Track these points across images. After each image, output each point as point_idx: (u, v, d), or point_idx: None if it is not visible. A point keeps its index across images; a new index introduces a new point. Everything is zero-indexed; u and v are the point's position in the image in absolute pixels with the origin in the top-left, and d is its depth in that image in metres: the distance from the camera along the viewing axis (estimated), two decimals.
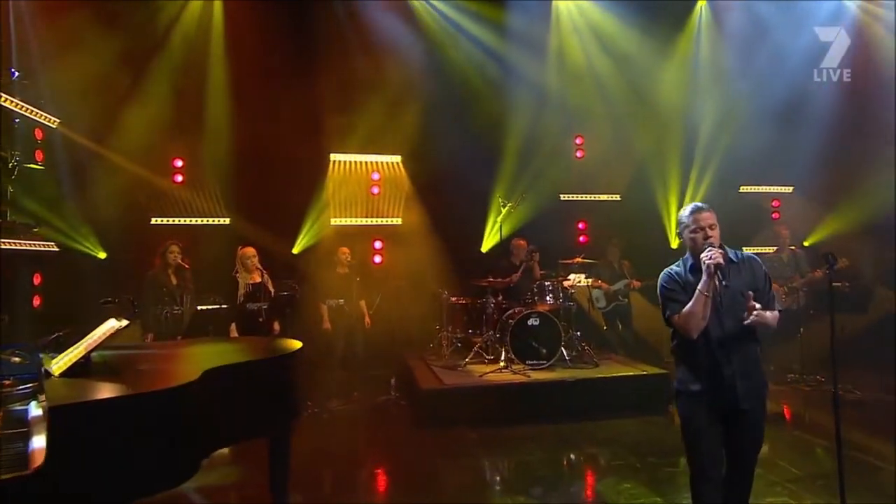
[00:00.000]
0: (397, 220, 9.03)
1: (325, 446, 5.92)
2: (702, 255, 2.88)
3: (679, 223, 3.10)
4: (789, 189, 10.01)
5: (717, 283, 2.84)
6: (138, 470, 2.67)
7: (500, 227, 8.53)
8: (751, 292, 2.89)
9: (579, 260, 8.00)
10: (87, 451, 2.51)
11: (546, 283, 7.63)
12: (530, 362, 7.10)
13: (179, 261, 6.53)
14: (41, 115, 6.43)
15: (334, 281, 7.52)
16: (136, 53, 7.63)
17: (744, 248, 3.27)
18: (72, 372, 3.18)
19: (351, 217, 8.96)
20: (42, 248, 6.47)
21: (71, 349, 3.35)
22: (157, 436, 2.76)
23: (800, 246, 8.76)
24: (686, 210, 3.05)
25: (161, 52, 7.82)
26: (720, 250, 2.90)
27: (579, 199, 9.82)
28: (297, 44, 8.30)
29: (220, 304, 6.78)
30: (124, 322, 3.52)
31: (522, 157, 9.02)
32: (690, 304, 2.89)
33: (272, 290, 6.96)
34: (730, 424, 2.97)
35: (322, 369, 7.48)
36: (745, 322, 2.85)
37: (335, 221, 8.86)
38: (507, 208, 8.33)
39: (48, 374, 3.10)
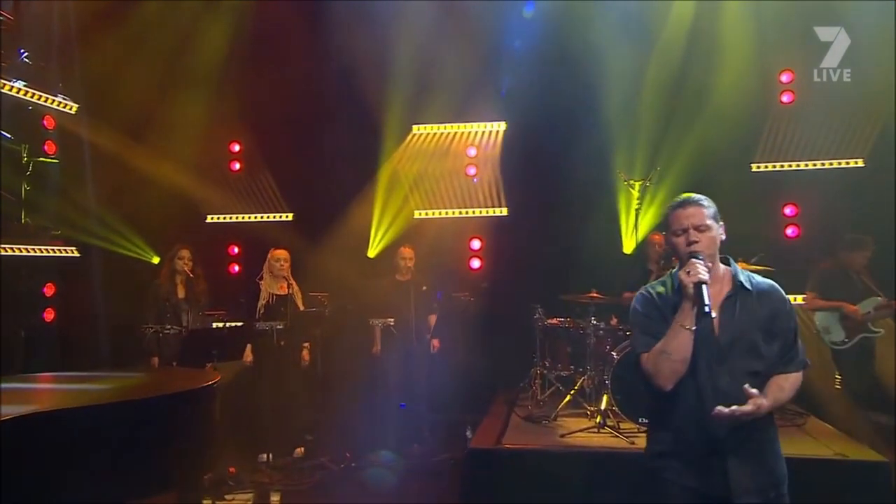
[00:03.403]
0: (501, 211, 8.25)
1: None
2: (680, 272, 2.60)
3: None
4: None
5: (702, 311, 2.51)
6: None
7: (637, 217, 7.12)
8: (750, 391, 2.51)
9: (743, 265, 6.20)
10: None
11: None
12: (645, 421, 5.70)
13: (188, 269, 6.56)
14: (54, 101, 6.95)
15: (390, 292, 7.02)
16: (178, 27, 7.91)
17: None
18: None
19: (440, 208, 8.45)
20: (59, 254, 7.00)
21: None
22: None
23: None
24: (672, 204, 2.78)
25: (205, 25, 8.03)
26: (704, 263, 2.57)
27: (786, 168, 7.91)
28: None
29: (224, 323, 6.67)
30: None
31: (667, 106, 7.60)
32: (664, 339, 2.61)
33: (301, 305, 6.75)
34: None
35: (374, 409, 7.10)
36: (740, 414, 2.47)
37: (419, 214, 8.43)
38: (637, 188, 6.92)
39: None
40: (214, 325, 6.80)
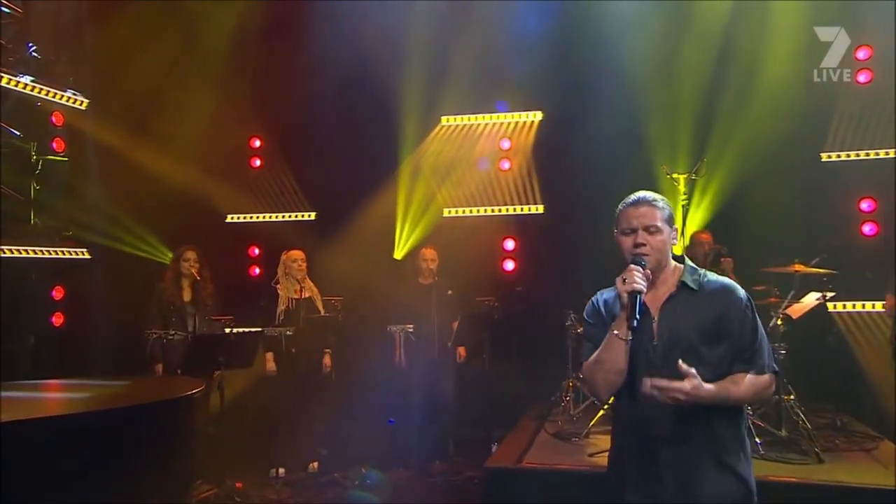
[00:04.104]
0: (537, 209, 7.95)
1: None
2: (617, 279, 2.52)
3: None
4: None
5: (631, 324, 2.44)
6: None
7: (684, 214, 6.66)
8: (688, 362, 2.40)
9: (801, 268, 5.75)
10: None
11: None
12: None
13: (195, 272, 6.45)
14: (63, 97, 6.97)
15: (411, 296, 6.80)
16: (193, 19, 7.87)
17: None
18: None
19: (471, 206, 8.22)
20: (69, 256, 7.02)
21: None
22: None
23: None
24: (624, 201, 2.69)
25: (221, 18, 7.93)
26: (644, 271, 2.47)
27: (862, 157, 7.36)
28: None
29: (232, 328, 6.53)
30: None
31: (713, 88, 7.14)
32: (599, 348, 2.55)
33: (321, 309, 6.61)
34: None
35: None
36: (667, 389, 2.36)
37: (449, 212, 8.21)
38: (682, 183, 6.49)
39: None
40: (237, 330, 6.67)
